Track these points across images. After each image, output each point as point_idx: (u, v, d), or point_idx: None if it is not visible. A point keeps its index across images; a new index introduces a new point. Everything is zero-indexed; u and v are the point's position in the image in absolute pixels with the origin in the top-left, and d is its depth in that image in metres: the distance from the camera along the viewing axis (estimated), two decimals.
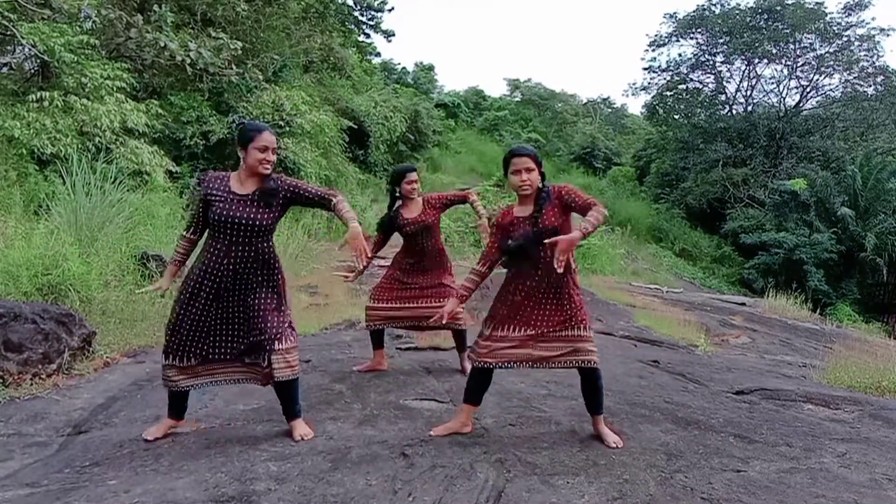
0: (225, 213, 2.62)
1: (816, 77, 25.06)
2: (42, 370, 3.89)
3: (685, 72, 27.35)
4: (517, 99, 39.95)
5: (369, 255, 2.74)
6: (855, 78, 24.53)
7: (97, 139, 8.30)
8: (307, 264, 9.65)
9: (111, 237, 6.22)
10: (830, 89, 25.39)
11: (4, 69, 9.22)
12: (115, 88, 8.90)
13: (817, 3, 24.04)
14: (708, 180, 25.09)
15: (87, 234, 6.06)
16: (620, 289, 11.10)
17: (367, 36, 23.02)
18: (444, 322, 3.13)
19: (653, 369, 4.61)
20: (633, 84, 47.92)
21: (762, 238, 19.77)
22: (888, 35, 26.40)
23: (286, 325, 2.76)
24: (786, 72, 25.45)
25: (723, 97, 27.46)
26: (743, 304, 12.20)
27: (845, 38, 24.03)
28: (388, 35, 22.44)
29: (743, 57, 25.66)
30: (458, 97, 34.14)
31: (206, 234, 2.76)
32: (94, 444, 2.87)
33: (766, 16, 24.95)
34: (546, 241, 2.56)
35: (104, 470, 2.51)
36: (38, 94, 8.17)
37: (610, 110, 41.93)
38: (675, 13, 27.33)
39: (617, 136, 37.61)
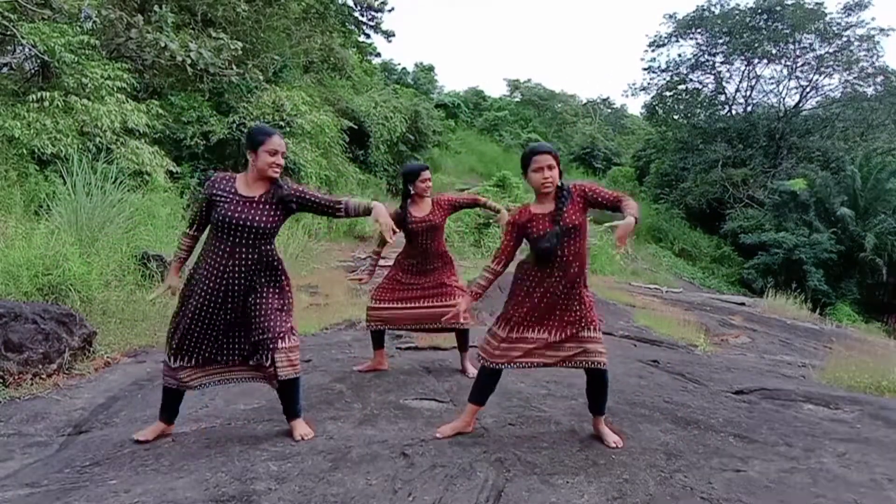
0: (230, 214, 2.62)
1: (816, 77, 25.10)
2: (42, 370, 3.90)
3: (685, 72, 27.38)
4: (517, 99, 39.98)
5: (397, 230, 2.78)
6: (855, 78, 24.56)
7: (98, 139, 8.30)
8: (307, 264, 9.66)
9: (112, 237, 6.23)
10: (830, 89, 25.46)
11: (5, 69, 9.22)
12: (115, 89, 8.90)
13: (817, 3, 24.05)
14: (707, 180, 25.10)
15: (87, 234, 6.07)
16: (620, 289, 11.10)
17: (367, 36, 22.99)
18: (460, 320, 3.07)
19: (652, 369, 4.61)
20: (633, 84, 48.08)
21: (762, 238, 19.79)
22: (888, 35, 26.38)
23: (289, 325, 2.77)
24: (785, 72, 25.49)
25: (722, 97, 27.49)
26: (742, 304, 12.20)
27: (845, 38, 24.05)
28: (388, 35, 22.41)
29: (743, 57, 25.68)
30: (458, 97, 34.15)
31: (206, 234, 2.76)
32: (95, 444, 2.87)
33: (765, 16, 24.96)
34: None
35: (104, 470, 2.51)
36: (39, 95, 8.17)
37: (610, 110, 41.98)
38: (674, 13, 27.42)
39: (616, 137, 37.64)
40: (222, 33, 11.35)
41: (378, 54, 27.56)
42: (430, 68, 34.69)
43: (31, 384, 3.78)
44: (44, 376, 3.88)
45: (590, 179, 28.17)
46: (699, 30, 26.34)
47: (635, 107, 59.98)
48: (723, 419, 3.28)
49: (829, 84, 25.35)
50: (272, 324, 2.70)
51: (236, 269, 2.65)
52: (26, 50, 8.64)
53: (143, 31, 9.76)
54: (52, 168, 7.82)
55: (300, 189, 2.75)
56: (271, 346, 2.69)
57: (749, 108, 26.90)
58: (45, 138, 7.83)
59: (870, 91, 24.44)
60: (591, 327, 2.73)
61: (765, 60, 25.49)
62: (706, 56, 26.69)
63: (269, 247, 2.72)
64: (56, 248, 5.14)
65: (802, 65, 25.10)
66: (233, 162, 11.73)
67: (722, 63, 26.55)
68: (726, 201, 24.38)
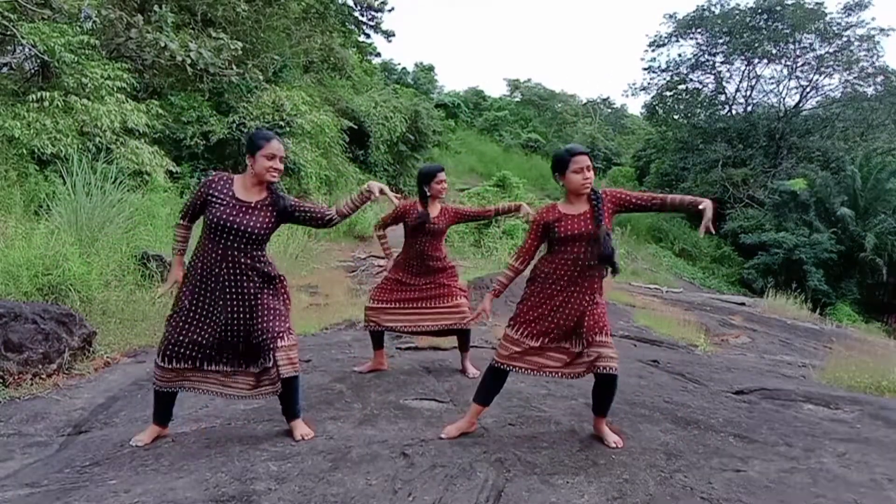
0: (224, 217, 2.63)
1: (816, 77, 25.10)
2: (42, 370, 3.90)
3: (685, 72, 27.38)
4: (517, 99, 39.98)
5: (392, 195, 2.85)
6: (855, 78, 24.55)
7: (97, 139, 8.30)
8: (307, 264, 9.66)
9: (111, 237, 6.23)
10: (830, 89, 25.45)
11: (4, 69, 9.22)
12: (115, 88, 8.90)
13: (817, 3, 24.05)
14: (707, 180, 25.11)
15: (87, 234, 6.07)
16: (620, 288, 11.09)
17: (367, 36, 22.99)
18: (486, 319, 3.06)
19: (652, 369, 4.61)
20: (633, 84, 48.06)
21: (762, 238, 19.79)
22: (888, 35, 26.36)
23: (287, 325, 2.77)
24: (786, 72, 25.49)
25: (722, 97, 27.48)
26: (742, 303, 12.20)
27: (845, 38, 24.05)
28: (388, 35, 22.41)
29: (743, 57, 25.68)
30: (458, 97, 34.15)
31: (200, 235, 2.76)
32: (95, 444, 2.88)
33: (765, 16, 24.96)
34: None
35: (104, 470, 2.51)
36: (39, 94, 8.17)
37: (610, 110, 41.97)
38: (674, 13, 27.41)
39: (617, 137, 37.65)
40: (222, 33, 11.35)
41: (378, 54, 27.59)
42: (430, 68, 34.69)
43: (31, 384, 3.78)
44: (44, 376, 3.88)
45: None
46: (699, 30, 26.34)
47: (635, 107, 60.05)
48: (723, 419, 3.28)
49: (829, 84, 25.39)
50: (270, 324, 2.71)
51: (229, 271, 2.66)
52: (26, 50, 8.64)
53: (143, 31, 9.76)
54: (52, 168, 7.82)
55: (298, 202, 2.79)
56: (271, 345, 2.69)
57: (749, 108, 26.90)
58: (45, 138, 7.83)
59: (870, 91, 24.44)
60: (604, 332, 2.74)
61: (765, 60, 25.50)
62: (706, 56, 26.69)
63: (260, 252, 2.73)
64: (56, 248, 5.14)
65: (802, 65, 25.11)
66: (233, 162, 11.72)
67: (722, 63, 26.56)
68: (726, 201, 24.37)
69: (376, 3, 20.74)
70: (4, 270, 4.74)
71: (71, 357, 4.12)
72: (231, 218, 2.63)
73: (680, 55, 27.77)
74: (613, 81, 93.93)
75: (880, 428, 3.21)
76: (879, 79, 24.14)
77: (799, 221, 19.73)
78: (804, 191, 20.14)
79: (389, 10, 21.29)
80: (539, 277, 2.80)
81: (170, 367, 2.72)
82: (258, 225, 2.67)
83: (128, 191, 7.31)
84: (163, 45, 9.83)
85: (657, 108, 28.56)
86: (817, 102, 25.74)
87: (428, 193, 3.80)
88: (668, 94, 27.99)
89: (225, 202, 2.66)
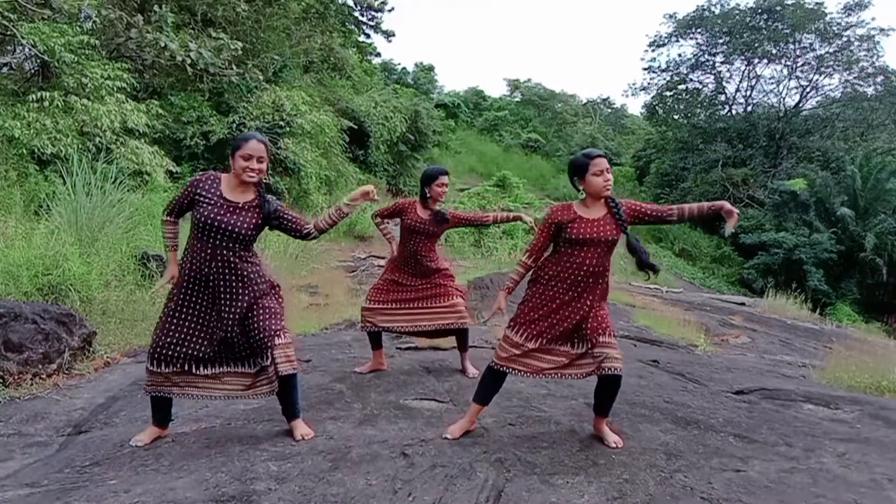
0: (212, 217, 2.62)
1: (816, 77, 25.12)
2: (42, 370, 3.90)
3: (685, 72, 27.39)
4: (517, 99, 39.97)
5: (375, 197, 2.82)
6: (855, 78, 24.57)
7: (97, 139, 8.30)
8: (307, 264, 9.66)
9: (111, 237, 6.23)
10: (830, 89, 25.48)
11: (4, 69, 9.22)
12: (115, 88, 8.90)
13: (817, 3, 24.06)
14: (707, 180, 25.11)
15: (87, 234, 6.07)
16: (620, 288, 11.10)
17: (367, 36, 22.99)
18: (502, 313, 3.00)
19: (652, 369, 4.61)
20: (633, 84, 48.11)
21: (762, 238, 19.79)
22: (888, 35, 26.41)
23: (282, 323, 2.77)
24: (786, 72, 25.50)
25: (722, 97, 27.50)
26: (742, 304, 12.20)
27: (845, 38, 24.06)
28: (388, 35, 22.41)
29: (743, 57, 25.69)
30: (458, 97, 34.15)
31: (188, 236, 2.75)
32: (95, 444, 2.87)
33: (765, 16, 24.97)
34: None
35: (104, 470, 2.51)
36: (39, 94, 8.17)
37: (610, 110, 41.95)
38: (674, 13, 27.42)
39: (617, 137, 37.64)
40: (222, 33, 11.36)
41: (378, 54, 27.59)
42: (430, 68, 34.69)
43: (31, 384, 3.78)
44: (44, 376, 3.88)
45: None
46: (699, 30, 26.35)
47: (635, 107, 60.03)
48: (723, 419, 3.28)
49: (829, 84, 25.42)
50: (267, 323, 2.71)
51: (218, 270, 2.65)
52: (26, 50, 8.64)
53: (143, 31, 9.76)
54: (52, 168, 7.82)
55: (283, 209, 2.77)
56: (269, 343, 2.69)
57: (749, 108, 26.91)
58: (45, 138, 7.83)
59: (870, 91, 24.46)
60: (608, 332, 2.74)
61: (765, 60, 25.51)
62: (706, 56, 26.71)
63: (248, 252, 2.73)
64: (56, 248, 5.14)
65: (802, 65, 25.12)
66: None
67: (722, 63, 26.58)
68: (726, 201, 24.37)
69: (376, 3, 20.74)
70: (4, 270, 4.74)
71: (71, 357, 4.12)
72: (219, 217, 2.63)
73: (680, 55, 27.84)
74: (613, 81, 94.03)
75: (880, 428, 3.21)
76: (879, 79, 24.16)
77: (799, 221, 19.73)
78: (804, 191, 20.15)
79: (389, 10, 21.31)
80: (542, 279, 2.78)
81: (158, 370, 2.71)
82: (245, 225, 2.66)
83: (128, 191, 7.31)
84: (163, 45, 9.83)
85: (657, 108, 28.57)
86: (817, 102, 25.76)
87: (428, 195, 3.80)
88: (668, 94, 28.01)
89: (213, 202, 2.65)
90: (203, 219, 2.62)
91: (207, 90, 11.89)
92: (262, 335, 2.69)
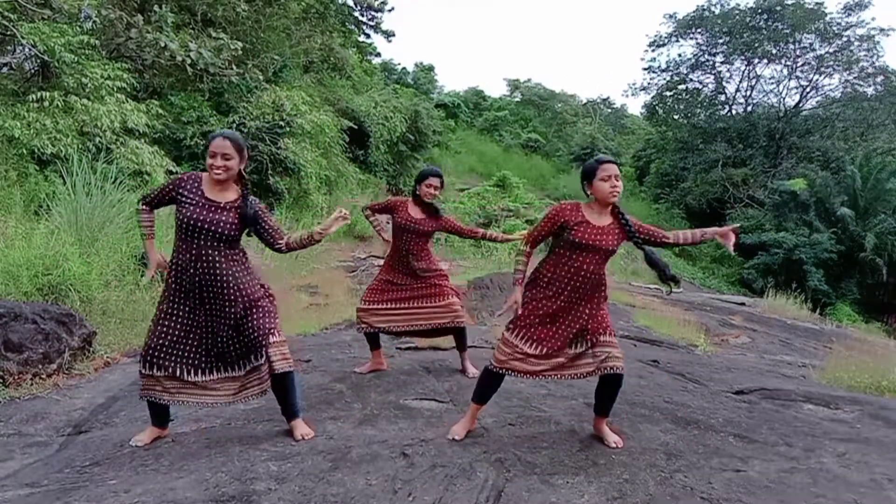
0: (194, 217, 2.62)
1: (816, 77, 25.09)
2: (42, 370, 3.89)
3: (685, 72, 27.37)
4: (517, 99, 39.97)
5: (344, 215, 2.83)
6: (855, 78, 24.55)
7: (97, 139, 8.30)
8: (307, 264, 9.66)
9: (111, 237, 6.23)
10: (830, 89, 25.45)
11: (4, 69, 9.21)
12: (115, 88, 8.90)
13: (817, 3, 24.05)
14: (707, 180, 25.10)
15: (87, 234, 6.07)
16: (620, 288, 11.10)
17: (368, 36, 22.98)
18: (512, 308, 2.89)
19: (652, 369, 4.61)
20: (633, 84, 48.12)
21: (762, 238, 19.77)
22: (888, 35, 26.39)
23: (276, 322, 2.77)
24: (786, 72, 25.48)
25: (722, 97, 27.48)
26: (742, 303, 12.20)
27: (845, 38, 24.04)
28: (388, 35, 22.40)
29: (743, 57, 25.68)
30: (458, 97, 34.16)
31: (175, 239, 2.73)
32: (95, 444, 2.87)
33: (765, 16, 24.95)
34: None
35: (104, 470, 2.51)
36: (39, 94, 8.16)
37: (610, 110, 41.94)
38: (674, 13, 27.42)
39: (617, 137, 37.62)
40: (222, 33, 11.35)
41: (378, 54, 27.58)
42: (430, 68, 34.69)
43: (31, 384, 3.78)
44: (44, 376, 3.88)
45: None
46: (699, 30, 26.34)
47: (635, 107, 60.03)
48: (723, 419, 3.28)
49: (829, 84, 25.38)
50: (261, 322, 2.71)
51: (205, 270, 2.64)
52: (26, 50, 8.64)
53: (143, 31, 9.75)
54: (52, 168, 7.82)
55: (264, 215, 2.74)
56: (263, 342, 2.69)
57: (749, 108, 26.89)
58: (45, 138, 7.82)
59: (870, 91, 24.44)
60: (608, 332, 2.74)
61: (765, 60, 25.49)
62: (706, 56, 26.69)
63: (233, 250, 2.71)
64: (56, 248, 5.14)
65: (802, 65, 25.10)
66: None
67: (722, 63, 26.55)
68: (726, 201, 24.37)
69: (376, 3, 20.73)
70: (4, 270, 4.74)
71: (71, 357, 4.12)
72: (201, 217, 2.62)
73: (680, 55, 27.81)
74: (613, 81, 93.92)
75: (880, 428, 3.21)
76: (879, 79, 24.14)
77: (799, 221, 19.72)
78: (804, 191, 20.13)
79: (389, 10, 21.30)
80: (541, 282, 2.77)
81: (150, 373, 2.70)
82: (225, 224, 2.64)
83: (128, 191, 7.30)
84: (163, 45, 9.82)
85: (657, 108, 28.56)
86: (817, 102, 25.74)
87: (417, 193, 3.84)
88: (668, 94, 27.99)
89: (194, 202, 2.65)
90: (185, 219, 2.62)
91: (207, 90, 11.89)
92: (256, 334, 2.69)
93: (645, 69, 28.20)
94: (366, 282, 8.90)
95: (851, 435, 3.09)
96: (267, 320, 2.72)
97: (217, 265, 2.65)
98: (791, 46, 24.87)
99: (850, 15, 23.72)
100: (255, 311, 2.71)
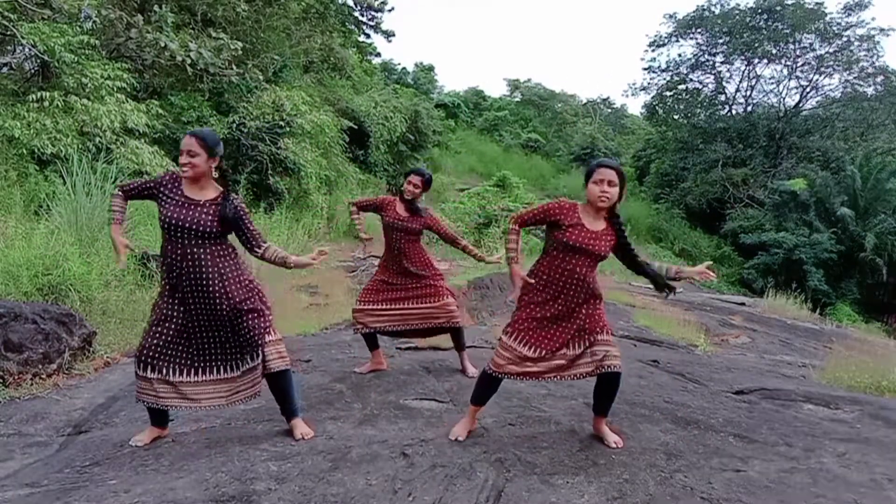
0: (174, 216, 2.62)
1: (816, 77, 25.08)
2: (42, 370, 3.89)
3: (685, 72, 27.36)
4: (517, 99, 39.96)
5: (325, 253, 2.85)
6: (855, 78, 24.54)
7: (97, 139, 8.30)
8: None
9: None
10: (830, 89, 25.43)
11: (4, 69, 9.21)
12: (115, 88, 8.90)
13: (817, 3, 24.04)
14: (707, 180, 25.10)
15: (87, 234, 6.07)
16: (620, 288, 11.10)
17: (368, 36, 22.96)
18: (519, 284, 2.88)
19: (652, 369, 4.61)
20: (633, 84, 48.06)
21: (762, 238, 19.78)
22: (888, 35, 26.35)
23: (270, 320, 2.77)
24: (786, 72, 25.47)
25: (722, 97, 27.47)
26: (742, 303, 12.20)
27: (845, 38, 24.03)
28: (388, 35, 22.39)
29: (743, 57, 25.67)
30: (458, 97, 34.14)
31: (161, 240, 2.73)
32: (95, 444, 2.87)
33: (765, 16, 24.95)
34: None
35: (104, 470, 2.51)
36: (39, 94, 8.17)
37: (610, 110, 41.93)
38: (674, 13, 27.39)
39: (617, 137, 37.61)
40: (222, 33, 11.35)
41: (378, 54, 27.56)
42: (430, 68, 34.67)
43: (31, 384, 3.78)
44: (44, 376, 3.88)
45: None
46: (699, 30, 26.33)
47: (635, 107, 60.00)
48: (723, 419, 3.28)
49: (829, 84, 25.37)
50: (255, 322, 2.70)
51: (192, 269, 2.64)
52: (26, 50, 8.64)
53: (143, 31, 9.75)
54: (52, 168, 7.82)
55: (243, 217, 2.72)
56: (259, 341, 2.69)
57: (749, 108, 26.89)
58: (45, 138, 7.82)
59: (870, 91, 24.42)
60: (605, 331, 2.74)
61: (765, 60, 25.48)
62: (706, 56, 26.68)
63: (219, 247, 2.69)
64: (56, 248, 5.14)
65: (802, 65, 25.10)
66: (233, 162, 11.72)
67: (722, 63, 26.54)
68: (726, 201, 24.38)
69: (376, 3, 20.73)
70: (4, 270, 4.74)
71: (71, 357, 4.12)
72: (181, 215, 2.62)
73: (680, 55, 27.78)
74: (613, 81, 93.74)
75: (880, 428, 3.21)
76: (879, 79, 24.13)
77: (799, 221, 19.72)
78: (804, 191, 20.13)
79: (389, 10, 21.29)
80: (537, 285, 2.76)
81: (144, 374, 2.70)
82: (205, 221, 2.63)
83: None
84: (163, 45, 9.82)
85: (657, 108, 28.55)
86: (817, 102, 25.74)
87: (402, 190, 3.89)
88: (668, 94, 27.98)
89: (174, 200, 2.66)
90: (165, 218, 2.63)
91: (207, 90, 11.89)
92: (251, 333, 2.69)
93: (645, 69, 28.22)
94: (365, 282, 8.91)
95: (851, 435, 3.09)
96: (261, 320, 2.72)
97: (203, 262, 2.64)
98: (791, 46, 24.87)
99: (850, 15, 23.73)
100: (248, 309, 2.70)
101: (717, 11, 25.77)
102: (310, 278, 8.66)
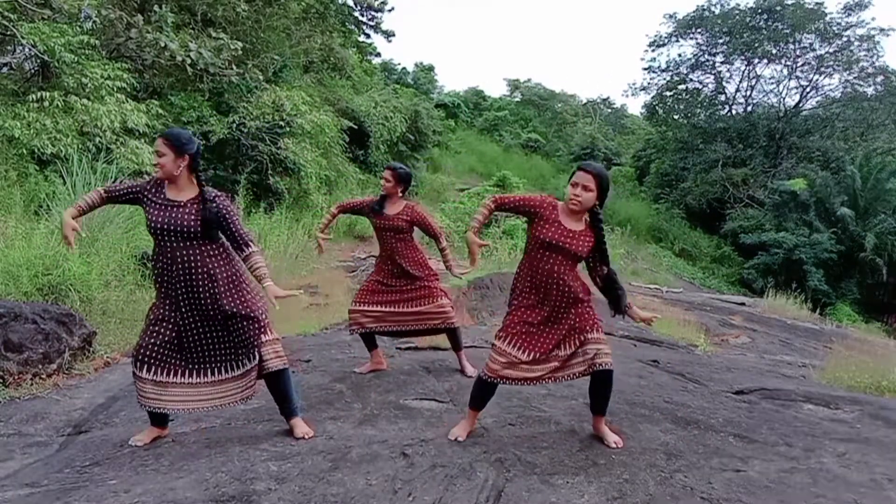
0: (158, 218, 2.62)
1: (816, 77, 25.07)
2: (42, 370, 3.90)
3: (685, 72, 27.36)
4: (517, 99, 39.96)
5: (293, 293, 2.78)
6: (855, 78, 24.53)
7: (97, 139, 8.30)
8: (307, 264, 9.66)
9: (111, 237, 6.23)
10: (830, 89, 25.42)
11: (4, 69, 9.21)
12: (115, 88, 8.90)
13: (817, 3, 24.04)
14: (707, 180, 25.10)
15: (87, 234, 6.06)
16: None
17: (368, 36, 22.97)
18: (481, 245, 2.91)
19: (652, 369, 4.62)
20: (633, 84, 48.00)
21: (762, 238, 19.78)
22: (888, 35, 26.36)
23: (266, 320, 2.76)
24: (786, 72, 25.47)
25: (722, 97, 27.47)
26: (742, 303, 12.21)
27: (845, 38, 24.03)
28: (389, 35, 22.40)
29: (743, 57, 25.67)
30: (458, 97, 34.14)
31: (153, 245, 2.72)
32: (95, 444, 2.87)
33: (765, 16, 24.94)
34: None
35: (104, 470, 2.51)
36: (39, 94, 8.16)
37: (610, 110, 41.92)
38: (674, 13, 27.39)
39: (617, 137, 37.62)
40: (222, 33, 11.35)
41: (378, 54, 27.55)
42: (430, 68, 34.66)
43: (31, 384, 3.78)
44: (44, 376, 3.88)
45: None
46: (699, 30, 26.33)
47: (635, 107, 60.00)
48: (723, 419, 3.28)
49: (829, 84, 25.36)
50: (247, 325, 2.70)
51: (183, 270, 2.63)
52: (26, 50, 8.64)
53: (143, 31, 9.75)
54: (52, 168, 7.82)
55: (226, 214, 2.69)
56: (255, 342, 2.69)
57: (749, 108, 26.88)
58: (45, 138, 7.82)
59: (870, 91, 24.41)
60: (595, 328, 2.74)
61: (765, 60, 25.48)
62: (706, 56, 26.68)
63: (208, 246, 2.68)
64: (56, 248, 5.14)
65: (802, 65, 25.09)
66: (233, 162, 11.73)
67: (722, 63, 26.54)
68: (726, 201, 24.38)
69: (376, 3, 20.73)
70: (4, 270, 4.74)
71: (71, 357, 4.12)
72: (164, 217, 2.62)
73: (680, 55, 27.77)
74: (613, 81, 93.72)
75: (880, 428, 3.21)
76: (879, 79, 24.12)
77: (799, 221, 19.72)
78: (804, 191, 20.13)
79: (389, 10, 21.30)
80: (524, 289, 2.78)
81: (140, 374, 2.69)
82: (187, 221, 2.62)
83: None
84: (163, 45, 9.82)
85: (657, 108, 28.55)
86: (817, 102, 25.73)
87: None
88: (668, 94, 27.98)
89: (157, 204, 2.66)
90: (151, 221, 2.64)
91: (207, 90, 11.89)
92: (247, 333, 2.69)
93: (645, 69, 28.21)
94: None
95: (851, 435, 3.09)
96: (254, 322, 2.71)
97: (192, 264, 2.64)
98: (791, 46, 24.86)
99: (850, 15, 23.72)
100: (238, 312, 2.69)
101: (717, 11, 25.77)
102: (310, 278, 8.67)
